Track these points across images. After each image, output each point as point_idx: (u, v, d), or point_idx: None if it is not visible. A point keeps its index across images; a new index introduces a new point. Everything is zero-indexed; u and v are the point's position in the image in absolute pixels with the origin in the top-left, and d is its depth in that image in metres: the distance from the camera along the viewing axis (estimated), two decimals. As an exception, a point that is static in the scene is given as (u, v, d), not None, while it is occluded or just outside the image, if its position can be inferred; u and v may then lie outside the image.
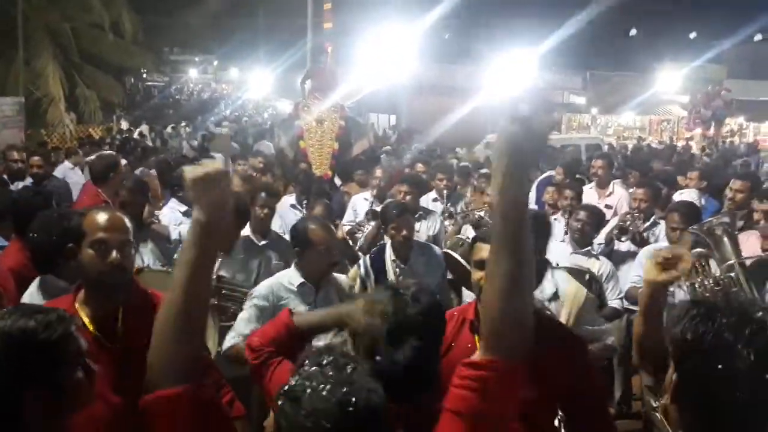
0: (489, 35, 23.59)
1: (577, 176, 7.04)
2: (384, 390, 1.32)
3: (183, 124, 20.75)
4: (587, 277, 3.82)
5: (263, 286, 3.19)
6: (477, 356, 1.40)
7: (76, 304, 2.19)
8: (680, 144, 21.90)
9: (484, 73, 22.84)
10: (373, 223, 4.72)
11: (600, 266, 4.13)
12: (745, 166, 12.80)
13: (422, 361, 1.61)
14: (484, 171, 7.28)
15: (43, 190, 4.85)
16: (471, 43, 24.30)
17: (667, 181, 6.93)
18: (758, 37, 23.58)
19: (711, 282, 3.22)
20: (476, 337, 2.25)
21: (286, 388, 1.29)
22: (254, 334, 2.05)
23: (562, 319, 3.03)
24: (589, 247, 4.35)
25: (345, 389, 1.26)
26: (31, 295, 2.72)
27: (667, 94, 25.56)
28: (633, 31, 26.49)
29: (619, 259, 4.62)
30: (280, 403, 1.28)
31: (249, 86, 34.26)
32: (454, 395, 1.38)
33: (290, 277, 3.18)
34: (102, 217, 2.22)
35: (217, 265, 3.68)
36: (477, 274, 2.34)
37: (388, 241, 4.00)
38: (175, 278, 1.44)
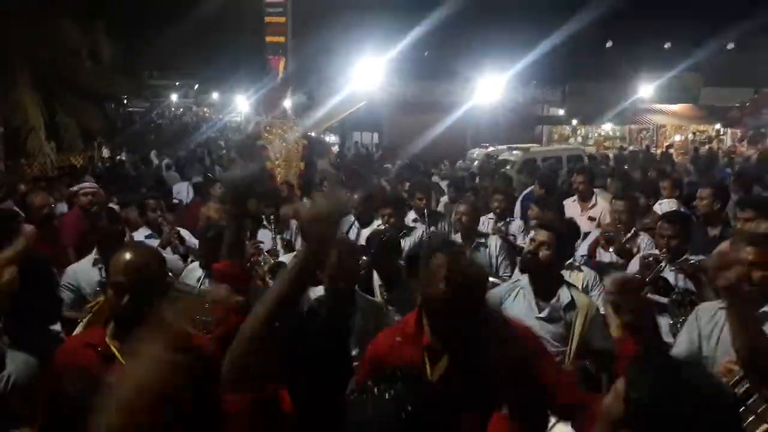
0: (468, 52, 23.83)
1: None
2: None
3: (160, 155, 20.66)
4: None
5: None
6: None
7: (107, 338, 2.26)
8: (659, 152, 22.17)
9: (465, 89, 23.06)
10: None
11: (584, 277, 4.18)
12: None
13: None
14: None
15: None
16: (451, 60, 24.52)
17: (648, 190, 6.98)
18: (731, 45, 24.01)
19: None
20: (425, 354, 2.27)
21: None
22: None
23: (577, 327, 3.14)
24: (571, 260, 4.39)
25: None
26: None
27: (644, 103, 25.92)
28: (609, 43, 26.87)
29: (602, 270, 4.66)
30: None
31: (230, 108, 34.31)
32: None
33: (318, 293, 3.29)
34: (121, 260, 2.30)
35: (201, 278, 3.73)
36: (439, 288, 2.22)
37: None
38: (267, 297, 1.55)
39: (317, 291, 3.34)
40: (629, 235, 4.94)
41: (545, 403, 2.22)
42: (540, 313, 3.27)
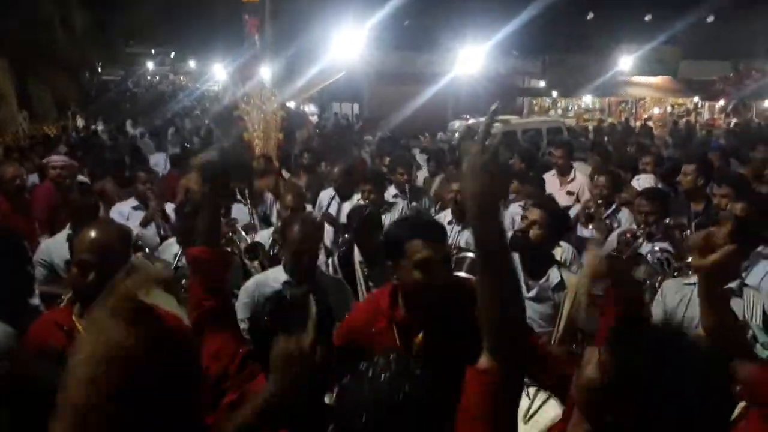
0: (448, 22, 23.60)
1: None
2: None
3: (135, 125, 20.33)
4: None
5: (250, 283, 3.25)
6: (483, 363, 1.48)
7: (74, 317, 2.25)
8: (638, 124, 22.30)
9: (445, 59, 22.88)
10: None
11: (562, 252, 4.18)
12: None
13: None
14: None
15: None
16: (431, 30, 24.27)
17: (626, 165, 7.02)
18: (711, 18, 24.04)
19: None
20: (394, 329, 2.30)
21: None
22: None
23: (566, 308, 3.13)
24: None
25: None
26: None
27: (624, 75, 25.97)
28: (590, 15, 26.77)
29: (582, 244, 4.69)
30: None
31: (207, 77, 33.73)
32: (470, 400, 1.46)
33: (276, 274, 3.23)
34: (86, 238, 2.25)
35: (178, 255, 3.71)
36: (415, 275, 2.24)
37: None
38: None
39: (277, 272, 3.29)
40: (610, 210, 4.98)
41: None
42: (528, 292, 3.26)
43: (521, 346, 1.57)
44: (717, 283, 1.87)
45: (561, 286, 3.23)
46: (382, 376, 1.45)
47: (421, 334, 2.25)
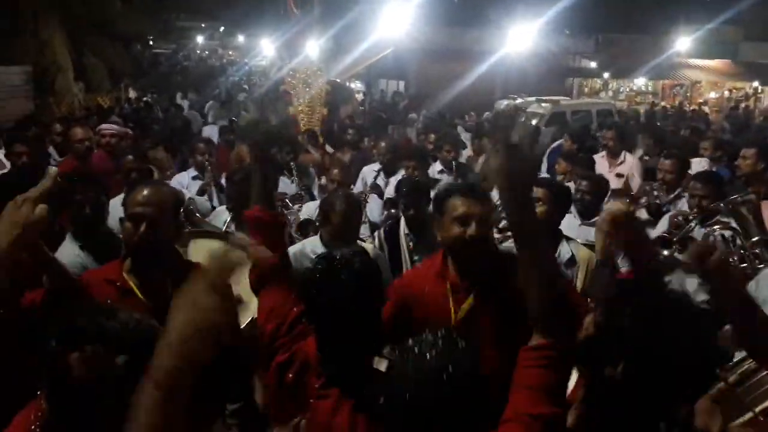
0: (499, -2, 23.14)
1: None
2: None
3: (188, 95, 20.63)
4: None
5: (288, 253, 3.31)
6: (536, 340, 1.53)
7: (124, 273, 2.33)
8: (691, 108, 21.57)
9: (495, 37, 22.47)
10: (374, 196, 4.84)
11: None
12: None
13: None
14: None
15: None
16: (481, 6, 23.84)
17: (685, 149, 6.80)
18: (776, -3, 22.95)
19: (737, 258, 3.27)
20: (449, 290, 2.37)
21: None
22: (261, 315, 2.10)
23: (579, 281, 3.23)
24: (596, 218, 4.32)
25: None
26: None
27: (680, 57, 25.08)
28: (646, -7, 25.87)
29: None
30: None
31: (255, 52, 33.94)
32: (527, 373, 1.51)
33: (313, 245, 3.29)
34: (139, 193, 2.36)
35: (228, 222, 3.82)
36: (454, 230, 2.34)
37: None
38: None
39: (314, 242, 3.34)
40: (672, 195, 4.83)
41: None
42: None
43: (569, 320, 1.58)
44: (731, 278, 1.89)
45: (572, 261, 3.25)
46: (428, 354, 1.47)
47: (470, 298, 2.33)
